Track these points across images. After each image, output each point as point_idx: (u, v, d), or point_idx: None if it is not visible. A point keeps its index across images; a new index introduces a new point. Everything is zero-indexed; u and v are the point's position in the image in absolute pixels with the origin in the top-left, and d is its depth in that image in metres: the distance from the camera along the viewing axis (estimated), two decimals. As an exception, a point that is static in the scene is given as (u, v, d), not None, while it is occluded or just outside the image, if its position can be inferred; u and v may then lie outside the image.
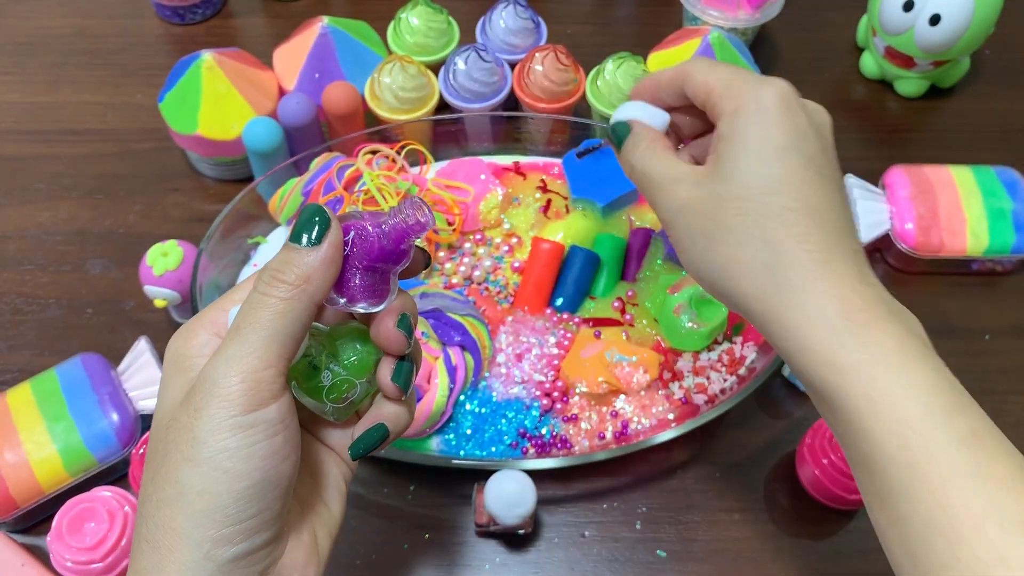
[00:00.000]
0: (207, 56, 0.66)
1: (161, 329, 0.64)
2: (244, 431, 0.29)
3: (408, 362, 0.33)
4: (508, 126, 0.70)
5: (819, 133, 0.37)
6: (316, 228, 0.30)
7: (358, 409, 0.35)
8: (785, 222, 0.34)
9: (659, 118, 0.40)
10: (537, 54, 0.70)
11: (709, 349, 0.60)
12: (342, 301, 0.31)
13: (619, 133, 0.41)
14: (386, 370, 0.33)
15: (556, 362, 0.59)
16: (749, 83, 0.36)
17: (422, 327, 0.56)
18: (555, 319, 0.61)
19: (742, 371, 0.59)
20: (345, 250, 0.31)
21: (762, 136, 0.35)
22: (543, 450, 0.56)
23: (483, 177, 0.66)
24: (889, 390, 0.32)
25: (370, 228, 0.31)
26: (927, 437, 0.31)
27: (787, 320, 0.34)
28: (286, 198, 0.63)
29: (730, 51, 0.70)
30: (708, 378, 0.59)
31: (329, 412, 0.33)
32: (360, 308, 0.32)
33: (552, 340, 0.60)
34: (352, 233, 0.31)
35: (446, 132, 0.69)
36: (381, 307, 0.32)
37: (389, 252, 0.31)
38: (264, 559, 0.30)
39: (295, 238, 0.30)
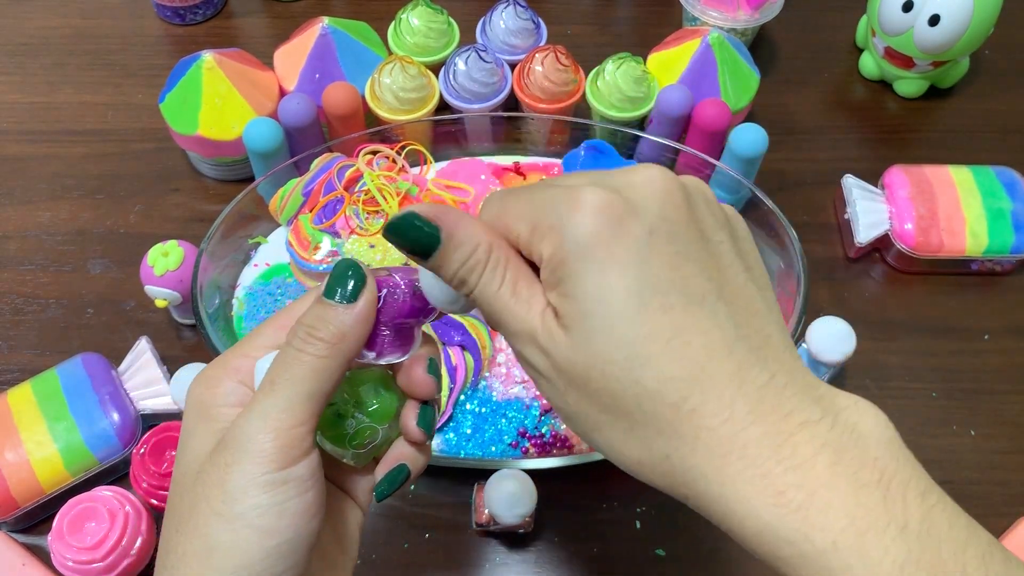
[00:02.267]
0: (208, 56, 0.66)
1: (162, 329, 0.64)
2: (276, 488, 0.28)
3: (431, 407, 0.33)
4: (508, 126, 0.70)
5: (665, 234, 0.27)
6: (352, 284, 0.30)
7: (376, 454, 0.35)
8: (670, 399, 0.27)
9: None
10: (537, 54, 0.70)
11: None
12: (371, 356, 0.32)
13: (418, 235, 0.29)
14: (411, 415, 0.33)
15: (556, 362, 0.59)
16: (552, 218, 0.28)
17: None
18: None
19: (742, 371, 0.59)
20: (376, 307, 0.31)
21: (600, 290, 0.27)
22: (543, 450, 0.56)
23: (483, 177, 0.66)
24: None
25: (403, 285, 0.31)
26: None
27: (708, 508, 0.27)
28: (286, 198, 0.63)
29: (730, 52, 0.70)
30: (708, 378, 0.59)
31: (350, 458, 0.33)
32: (387, 360, 0.32)
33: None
34: (384, 291, 0.31)
35: (446, 132, 0.69)
36: (407, 357, 0.32)
37: (419, 309, 0.32)
38: None
39: (330, 293, 0.30)
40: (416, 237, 0.29)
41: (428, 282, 0.31)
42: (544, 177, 0.69)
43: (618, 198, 0.27)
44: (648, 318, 0.27)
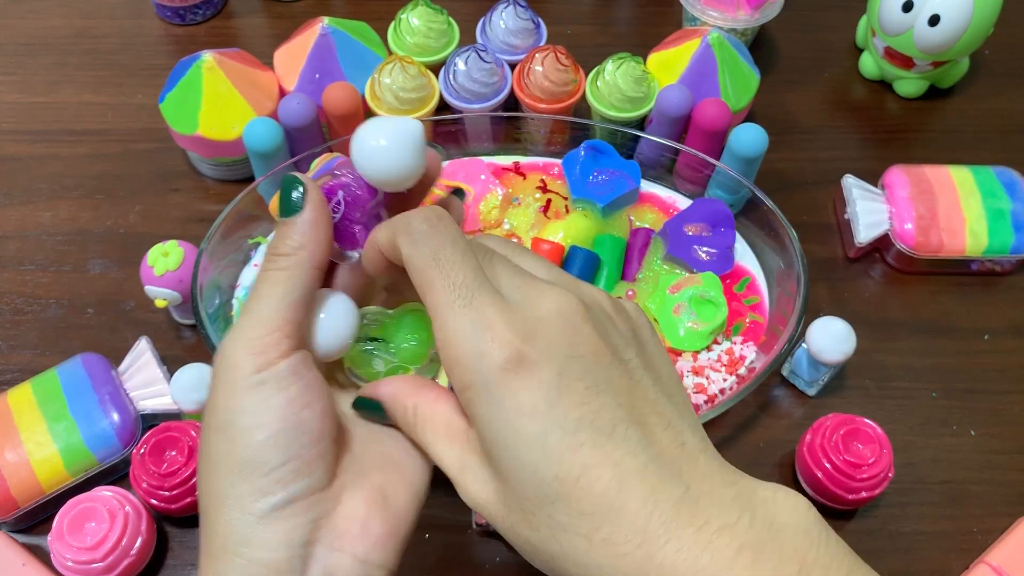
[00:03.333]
0: (208, 56, 0.66)
1: (162, 329, 0.64)
2: (253, 389, 0.30)
3: None
4: (508, 126, 0.70)
5: (570, 370, 0.28)
6: (294, 195, 0.32)
7: None
8: (583, 531, 0.27)
9: (413, 131, 0.33)
10: (537, 55, 0.70)
11: (708, 349, 0.60)
12: (356, 255, 0.33)
13: (369, 407, 0.34)
14: None
15: (556, 362, 0.59)
16: (467, 346, 0.28)
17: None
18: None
19: (742, 371, 0.59)
20: (341, 209, 0.32)
21: (509, 432, 0.28)
22: (543, 450, 0.56)
23: (483, 177, 0.66)
24: None
25: (352, 179, 0.33)
26: None
27: None
28: (286, 198, 0.63)
29: (729, 52, 0.70)
30: (708, 378, 0.59)
31: None
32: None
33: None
34: (340, 192, 0.33)
35: (446, 132, 0.69)
36: None
37: (376, 193, 0.33)
38: (312, 508, 0.30)
39: (282, 213, 0.32)
40: (368, 407, 0.34)
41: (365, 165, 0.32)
42: (544, 177, 0.69)
43: (525, 345, 0.28)
44: (557, 459, 0.27)
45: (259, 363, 0.30)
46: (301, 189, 0.32)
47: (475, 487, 0.31)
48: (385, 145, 0.32)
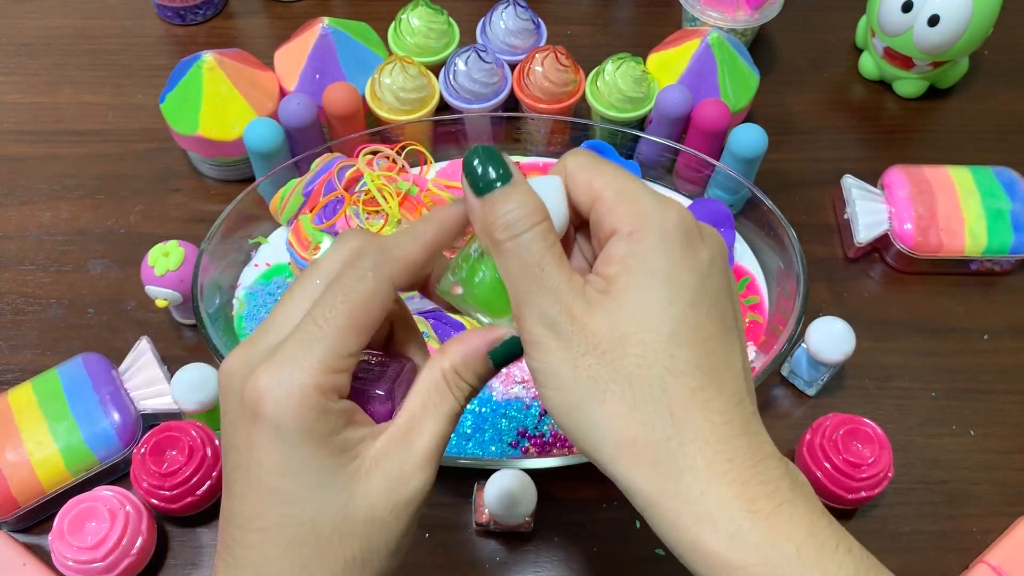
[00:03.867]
0: (208, 57, 0.66)
1: (162, 329, 0.64)
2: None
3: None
4: (508, 127, 0.70)
5: (719, 268, 0.31)
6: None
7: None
8: (691, 384, 0.29)
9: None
10: (537, 55, 0.70)
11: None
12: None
13: (486, 169, 0.31)
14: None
15: (556, 362, 0.59)
16: (647, 202, 0.30)
17: (422, 327, 0.56)
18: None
19: (741, 371, 0.59)
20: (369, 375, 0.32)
21: (671, 271, 0.29)
22: (543, 450, 0.56)
23: (483, 177, 0.66)
24: None
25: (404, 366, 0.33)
26: None
27: (683, 509, 0.28)
28: (287, 199, 0.63)
29: (729, 52, 0.70)
30: (708, 378, 0.59)
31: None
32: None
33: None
34: (399, 372, 0.33)
35: (446, 133, 0.69)
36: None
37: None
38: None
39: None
40: (485, 166, 0.31)
41: None
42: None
43: (695, 224, 0.31)
44: (700, 312, 0.30)
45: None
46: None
47: (579, 309, 0.30)
48: None
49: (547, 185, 0.31)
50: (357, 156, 0.65)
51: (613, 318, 0.29)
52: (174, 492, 0.52)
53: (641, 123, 0.72)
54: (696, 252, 0.30)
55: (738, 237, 0.65)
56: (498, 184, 0.30)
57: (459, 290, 0.32)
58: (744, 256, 0.65)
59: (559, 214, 0.31)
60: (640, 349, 0.29)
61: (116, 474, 0.57)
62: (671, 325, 0.29)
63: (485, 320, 0.33)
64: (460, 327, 0.57)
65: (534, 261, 0.30)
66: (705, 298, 0.30)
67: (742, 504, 0.28)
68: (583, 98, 0.72)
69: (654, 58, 0.73)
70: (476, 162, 0.31)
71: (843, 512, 0.57)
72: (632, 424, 0.29)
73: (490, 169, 0.30)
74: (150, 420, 0.57)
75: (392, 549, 0.31)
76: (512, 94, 0.73)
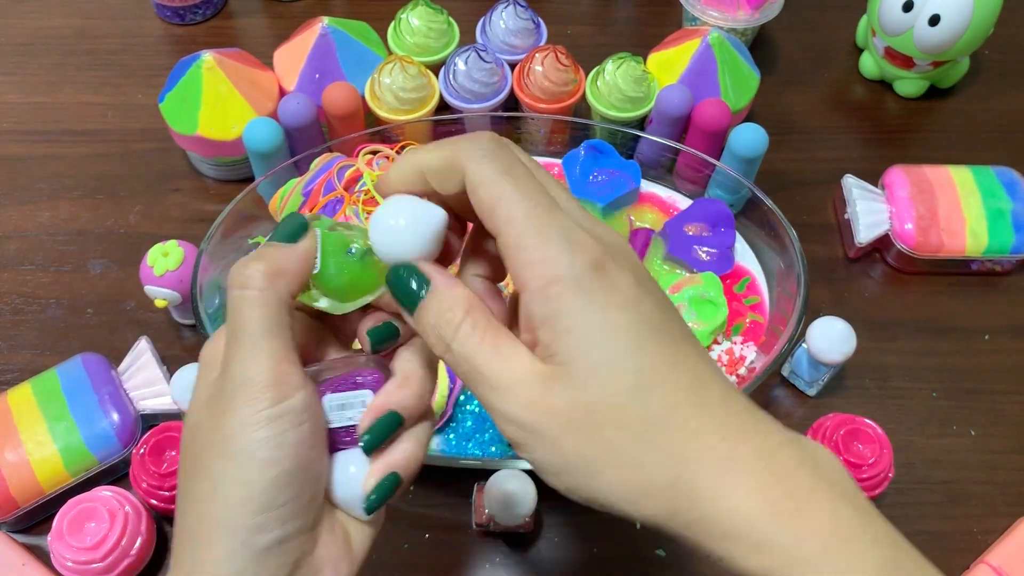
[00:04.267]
0: (207, 56, 0.66)
1: (162, 329, 0.64)
2: (272, 422, 0.29)
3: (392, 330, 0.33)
4: (508, 126, 0.70)
5: (643, 284, 0.30)
6: (293, 228, 0.31)
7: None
8: (675, 422, 0.28)
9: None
10: (537, 54, 0.70)
11: (709, 349, 0.60)
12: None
13: (408, 288, 0.31)
14: (367, 324, 0.33)
15: (556, 362, 0.59)
16: (554, 246, 0.28)
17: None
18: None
19: (742, 371, 0.59)
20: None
21: (602, 323, 0.28)
22: (543, 450, 0.56)
23: (483, 177, 0.66)
24: None
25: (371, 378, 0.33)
26: None
27: (711, 531, 0.29)
28: (287, 198, 0.63)
29: (729, 52, 0.70)
30: (708, 378, 0.59)
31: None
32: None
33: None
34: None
35: (446, 132, 0.69)
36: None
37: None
38: (297, 549, 0.31)
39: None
40: (406, 287, 0.31)
41: (339, 475, 0.32)
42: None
43: (604, 253, 0.29)
44: (650, 351, 0.29)
45: (277, 394, 0.29)
46: (301, 224, 0.31)
47: (535, 400, 0.29)
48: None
49: (420, 214, 0.30)
50: (357, 156, 0.65)
51: (572, 394, 0.28)
52: (174, 492, 0.52)
53: (641, 123, 0.72)
54: (617, 286, 0.29)
55: (738, 237, 0.65)
56: (422, 295, 0.30)
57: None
58: (744, 256, 0.65)
59: (427, 246, 0.31)
60: (612, 414, 0.28)
61: (115, 474, 0.57)
62: (629, 376, 0.28)
63: (335, 306, 0.33)
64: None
65: (471, 368, 0.30)
66: (648, 329, 0.29)
67: (765, 510, 0.28)
68: (583, 98, 0.72)
69: (654, 58, 0.73)
70: (398, 281, 0.31)
71: (843, 512, 0.57)
72: (638, 483, 0.29)
73: (411, 283, 0.31)
74: (149, 420, 0.57)
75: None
76: (512, 94, 0.73)
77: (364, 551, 0.34)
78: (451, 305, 0.30)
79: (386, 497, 0.32)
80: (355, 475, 0.32)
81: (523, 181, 0.29)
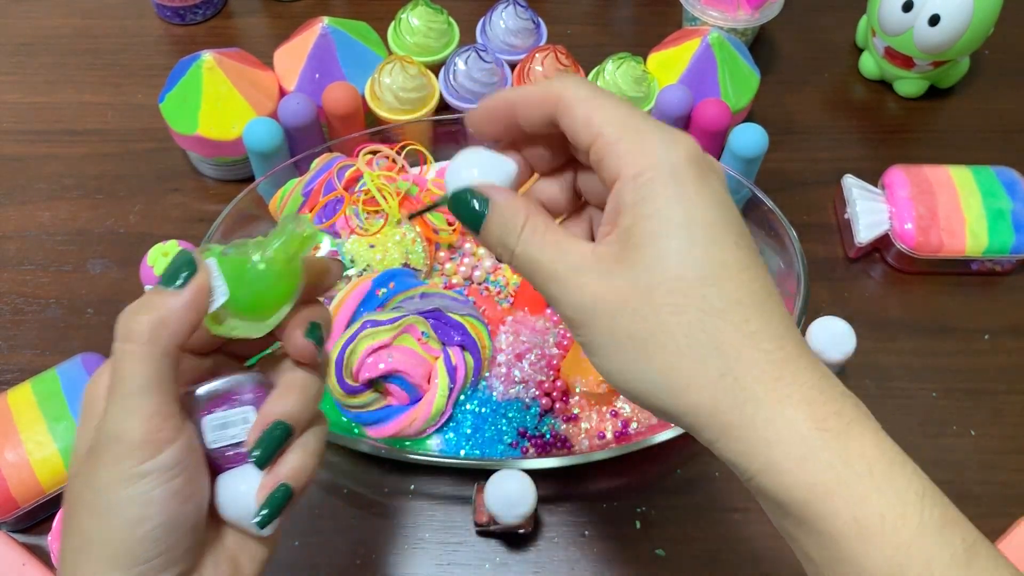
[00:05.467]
0: (208, 56, 0.66)
1: (162, 329, 0.64)
2: (141, 479, 0.29)
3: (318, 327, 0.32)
4: (508, 126, 0.70)
5: (731, 199, 0.31)
6: (177, 270, 0.30)
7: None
8: (734, 319, 0.29)
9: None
10: (537, 54, 0.70)
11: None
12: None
13: (472, 209, 0.32)
14: (299, 327, 0.33)
15: (556, 362, 0.59)
16: (653, 138, 0.30)
17: (422, 327, 0.56)
18: (555, 319, 0.61)
19: (742, 371, 0.59)
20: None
21: (687, 212, 0.29)
22: (543, 450, 0.56)
23: (483, 177, 0.66)
24: (880, 512, 0.27)
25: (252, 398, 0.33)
26: (926, 562, 0.27)
27: (751, 437, 0.28)
28: (287, 198, 0.63)
29: (730, 52, 0.70)
30: (708, 378, 0.59)
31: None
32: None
33: (552, 340, 0.60)
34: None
35: (446, 132, 0.69)
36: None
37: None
38: None
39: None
40: (469, 207, 0.32)
41: (227, 494, 0.32)
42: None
43: (702, 154, 0.31)
44: (724, 248, 0.29)
45: (146, 452, 0.29)
46: (186, 264, 0.30)
47: (593, 283, 0.30)
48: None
49: (494, 164, 0.33)
50: (357, 156, 0.65)
51: (634, 275, 0.29)
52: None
53: (641, 123, 0.72)
54: (709, 183, 0.30)
55: (738, 237, 0.65)
56: (484, 213, 0.32)
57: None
58: (744, 256, 0.65)
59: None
60: (671, 298, 0.29)
61: (115, 474, 0.57)
62: (697, 268, 0.29)
63: (248, 328, 0.32)
64: (460, 327, 0.57)
65: (534, 265, 0.31)
66: (728, 231, 0.30)
67: (812, 424, 0.28)
68: (583, 98, 0.72)
69: (654, 58, 0.73)
70: (461, 204, 0.32)
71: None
72: (683, 371, 0.29)
73: (473, 203, 0.32)
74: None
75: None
76: (512, 94, 0.73)
77: (255, 574, 0.33)
78: (512, 214, 0.31)
79: (279, 510, 0.32)
80: (245, 492, 0.32)
81: (615, 98, 0.31)
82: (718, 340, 0.29)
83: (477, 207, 0.32)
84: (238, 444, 0.32)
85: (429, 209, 0.37)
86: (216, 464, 0.32)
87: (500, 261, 0.33)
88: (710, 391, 0.29)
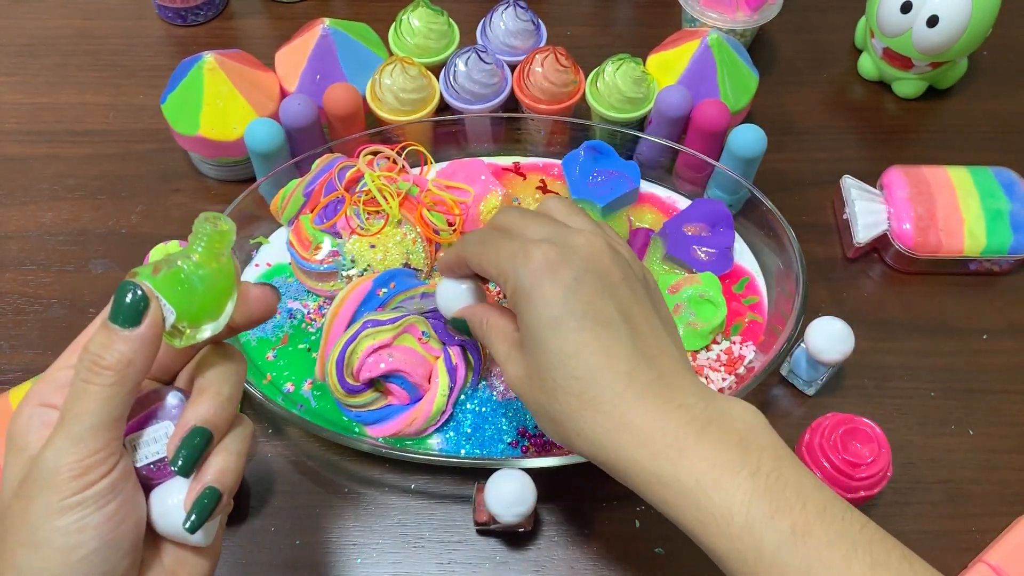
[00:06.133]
0: (209, 57, 0.66)
1: (163, 329, 0.64)
2: (73, 509, 0.29)
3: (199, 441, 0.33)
4: (508, 127, 0.70)
5: (591, 272, 0.39)
6: (135, 307, 0.31)
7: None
8: (573, 391, 0.38)
9: (469, 291, 0.48)
10: (537, 55, 0.70)
11: (708, 348, 0.61)
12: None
13: (462, 324, 0.48)
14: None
15: (556, 362, 0.59)
16: (511, 263, 0.40)
17: (422, 327, 0.56)
18: (555, 319, 0.62)
19: (741, 370, 0.60)
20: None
21: (535, 315, 0.39)
22: (543, 450, 0.57)
23: (483, 178, 0.66)
24: (713, 512, 0.35)
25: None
26: (757, 546, 0.34)
27: (617, 473, 0.38)
28: (288, 199, 0.64)
29: (728, 53, 0.70)
30: (707, 377, 0.59)
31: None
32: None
33: (552, 340, 0.60)
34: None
35: (447, 133, 0.69)
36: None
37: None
38: None
39: (113, 317, 0.31)
40: (459, 324, 0.49)
41: (159, 509, 0.33)
42: (544, 177, 0.69)
43: (557, 252, 0.40)
44: (566, 336, 0.39)
45: (82, 484, 0.29)
46: (144, 303, 0.31)
47: (513, 369, 0.42)
48: None
49: (461, 290, 0.48)
50: (357, 156, 0.65)
51: (527, 365, 0.41)
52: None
53: (641, 123, 0.72)
54: (556, 282, 0.39)
55: (737, 237, 0.65)
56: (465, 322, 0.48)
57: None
58: (744, 256, 0.65)
59: (472, 302, 0.49)
60: (543, 382, 0.40)
61: (117, 473, 0.57)
62: (550, 356, 0.39)
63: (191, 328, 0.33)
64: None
65: (492, 349, 0.45)
66: (572, 315, 0.38)
67: (647, 458, 0.37)
68: (583, 99, 0.72)
69: (654, 59, 0.74)
70: (457, 325, 0.50)
71: (842, 511, 0.57)
72: (572, 426, 0.39)
73: (461, 321, 0.49)
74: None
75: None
76: (512, 95, 0.73)
77: None
78: (478, 321, 0.46)
79: (207, 513, 0.32)
80: (175, 504, 0.32)
81: (488, 237, 0.43)
82: (571, 409, 0.39)
83: (461, 322, 0.48)
84: (163, 459, 0.32)
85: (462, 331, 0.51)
86: (147, 482, 0.32)
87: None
88: (579, 442, 0.39)
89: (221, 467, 0.33)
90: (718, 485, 0.35)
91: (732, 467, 0.35)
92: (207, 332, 0.32)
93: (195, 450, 0.32)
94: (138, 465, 0.32)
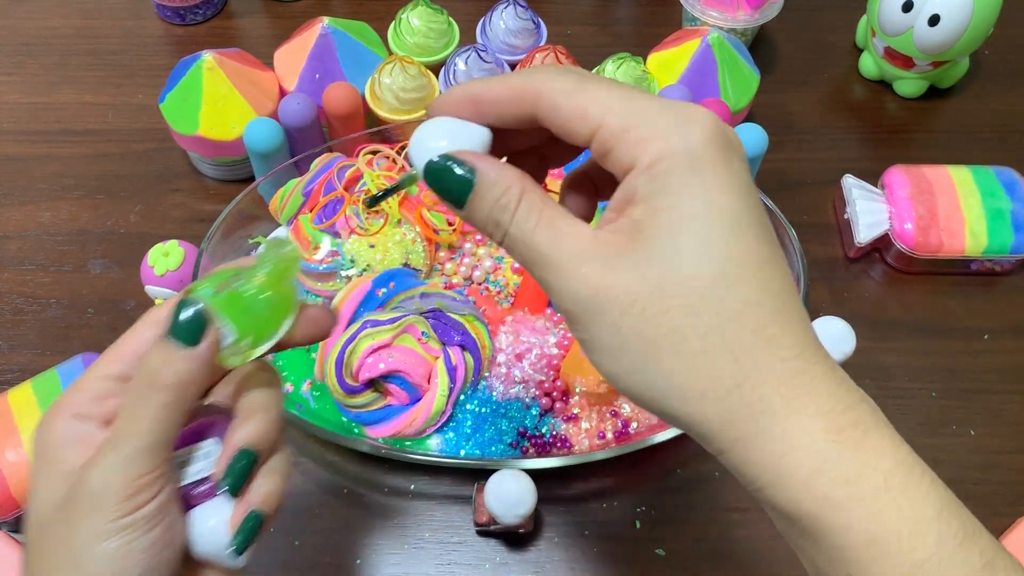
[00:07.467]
0: (208, 56, 0.66)
1: (162, 329, 0.64)
2: (120, 532, 0.28)
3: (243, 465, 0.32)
4: (508, 126, 0.70)
5: (751, 182, 0.28)
6: (195, 326, 0.30)
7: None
8: (751, 324, 0.26)
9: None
10: (537, 55, 0.70)
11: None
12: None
13: (455, 178, 0.28)
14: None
15: (556, 362, 0.59)
16: (664, 120, 0.26)
17: (422, 327, 0.56)
18: (555, 319, 0.61)
19: (741, 371, 0.59)
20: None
21: (706, 205, 0.26)
22: (543, 450, 0.56)
23: (483, 177, 0.66)
24: (897, 527, 0.26)
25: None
26: None
27: (764, 449, 0.26)
28: (287, 198, 0.63)
29: (729, 52, 0.70)
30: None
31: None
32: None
33: (552, 340, 0.60)
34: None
35: (446, 132, 0.69)
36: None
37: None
38: None
39: (176, 336, 0.30)
40: (452, 180, 0.28)
41: (199, 530, 0.32)
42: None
43: (723, 130, 0.27)
44: (746, 242, 0.26)
45: (130, 507, 0.28)
46: (203, 322, 0.30)
47: (596, 275, 0.27)
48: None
49: (465, 134, 0.29)
50: (357, 156, 0.65)
51: (644, 270, 0.26)
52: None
53: (641, 123, 0.72)
54: (731, 167, 0.27)
55: (738, 237, 0.65)
56: (471, 183, 0.28)
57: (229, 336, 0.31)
58: (744, 256, 0.65)
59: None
60: (685, 299, 0.26)
61: (116, 474, 0.57)
62: (715, 266, 0.26)
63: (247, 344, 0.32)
64: (460, 327, 0.57)
65: (529, 248, 0.28)
66: (749, 223, 0.26)
67: (828, 436, 0.26)
68: (583, 98, 0.72)
69: (654, 58, 0.73)
70: (439, 176, 0.28)
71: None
72: (696, 378, 0.26)
73: (455, 172, 0.28)
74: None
75: None
76: (512, 94, 0.73)
77: None
78: (505, 188, 0.28)
79: (252, 538, 0.32)
80: (216, 526, 0.32)
81: (606, 81, 0.28)
82: (734, 346, 0.26)
83: (461, 175, 0.28)
84: (205, 479, 0.32)
85: (391, 192, 0.33)
86: (185, 502, 0.32)
87: (491, 238, 0.29)
88: (724, 401, 0.26)
89: (265, 490, 0.32)
90: (906, 490, 0.26)
91: (915, 467, 0.27)
92: (260, 352, 0.32)
93: (243, 471, 0.31)
94: (179, 484, 0.32)
